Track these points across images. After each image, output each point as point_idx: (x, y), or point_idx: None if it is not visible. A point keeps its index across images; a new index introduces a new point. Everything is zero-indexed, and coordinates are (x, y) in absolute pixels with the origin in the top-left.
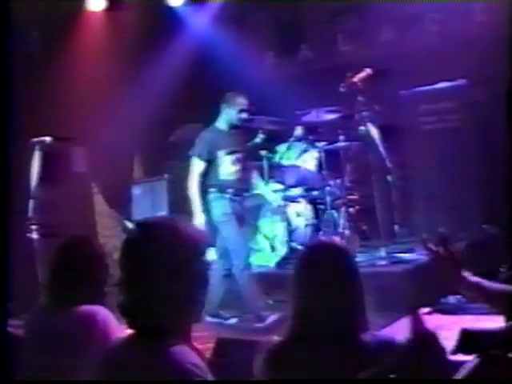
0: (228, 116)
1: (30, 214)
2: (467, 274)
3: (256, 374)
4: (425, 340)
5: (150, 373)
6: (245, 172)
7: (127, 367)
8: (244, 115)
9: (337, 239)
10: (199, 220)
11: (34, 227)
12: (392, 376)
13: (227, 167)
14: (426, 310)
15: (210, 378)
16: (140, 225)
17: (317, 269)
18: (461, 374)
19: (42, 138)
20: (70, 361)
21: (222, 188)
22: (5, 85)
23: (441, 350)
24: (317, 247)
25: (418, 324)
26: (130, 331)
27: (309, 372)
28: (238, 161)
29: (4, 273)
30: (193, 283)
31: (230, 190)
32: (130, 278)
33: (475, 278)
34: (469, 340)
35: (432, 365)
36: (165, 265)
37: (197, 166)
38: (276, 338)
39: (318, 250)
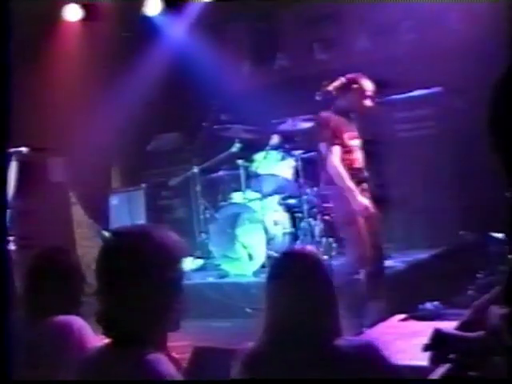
0: None
1: (7, 225)
2: None
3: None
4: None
5: (125, 379)
6: None
7: (103, 375)
8: None
9: (309, 247)
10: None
11: (11, 238)
12: None
13: None
14: (401, 316)
15: None
16: (114, 233)
17: (288, 277)
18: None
19: (19, 149)
20: (47, 371)
21: None
22: None
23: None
24: (288, 255)
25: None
26: (106, 340)
27: (284, 377)
28: None
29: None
30: (168, 291)
31: None
32: (106, 287)
33: None
34: (440, 340)
35: None
36: (139, 273)
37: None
38: (251, 344)
39: (290, 259)
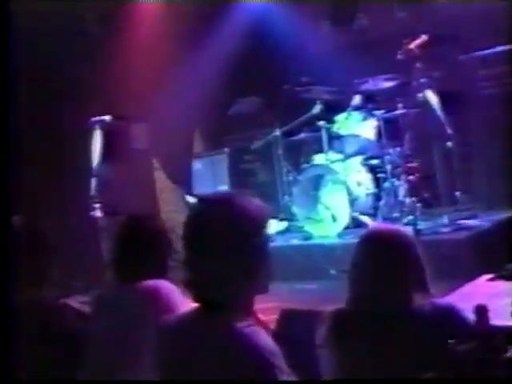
0: None
1: (93, 192)
2: None
3: (318, 343)
4: (490, 341)
5: (217, 350)
6: None
7: (192, 341)
8: None
9: (396, 225)
10: None
11: (97, 205)
12: None
13: None
14: (488, 276)
15: (282, 363)
16: (201, 201)
17: (377, 253)
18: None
19: (102, 117)
20: (135, 335)
21: None
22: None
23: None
24: (373, 230)
25: (484, 321)
26: (194, 305)
27: (370, 340)
28: None
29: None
30: (256, 256)
31: None
32: (194, 254)
33: None
34: None
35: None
36: (227, 239)
37: None
38: (338, 307)
39: (375, 232)
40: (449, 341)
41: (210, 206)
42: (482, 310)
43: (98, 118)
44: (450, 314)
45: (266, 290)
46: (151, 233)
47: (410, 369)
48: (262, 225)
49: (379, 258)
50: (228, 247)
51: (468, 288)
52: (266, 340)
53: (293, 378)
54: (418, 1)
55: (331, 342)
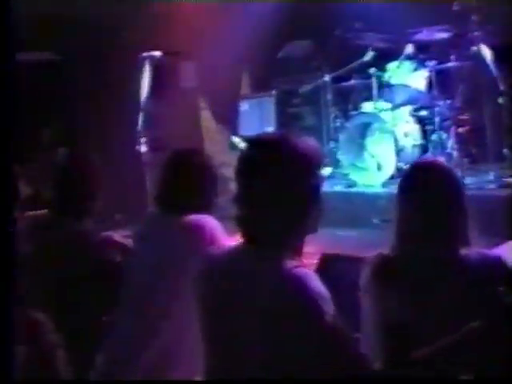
0: None
1: (139, 127)
2: None
3: (362, 286)
4: None
5: (268, 286)
6: None
7: (240, 275)
8: None
9: (441, 159)
10: None
11: (142, 140)
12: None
13: None
14: None
15: (331, 307)
16: (256, 139)
17: (421, 188)
18: None
19: (152, 52)
20: (177, 269)
21: None
22: None
23: None
24: (421, 166)
25: None
26: (241, 241)
27: (414, 287)
28: None
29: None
30: (308, 197)
31: None
32: (248, 190)
33: None
34: None
35: None
36: (281, 179)
37: None
38: (381, 252)
39: (423, 170)
40: (499, 288)
41: (265, 143)
42: None
43: (147, 54)
44: (498, 264)
45: (315, 231)
46: (197, 167)
47: (455, 317)
48: (316, 165)
49: (424, 192)
50: (281, 185)
51: (510, 245)
52: (317, 283)
53: (340, 324)
54: None
55: (374, 286)
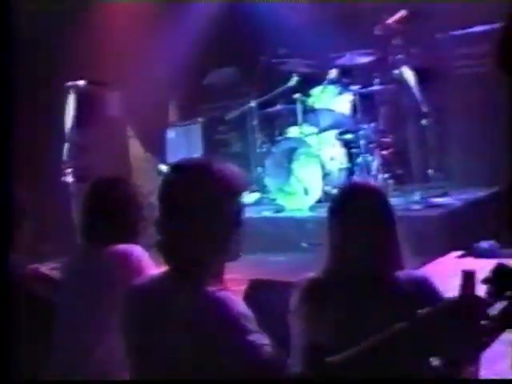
0: None
1: (65, 157)
2: None
3: (292, 309)
4: (469, 304)
5: (189, 314)
6: None
7: (161, 303)
8: None
9: (370, 180)
10: None
11: (68, 171)
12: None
13: None
14: (458, 253)
15: (255, 327)
16: (178, 165)
17: (351, 210)
18: (491, 313)
19: (77, 82)
20: (104, 300)
21: None
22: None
23: (480, 318)
24: (351, 188)
25: (470, 286)
26: (165, 268)
27: (344, 308)
28: None
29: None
30: (228, 222)
31: None
32: (168, 216)
33: None
34: (502, 275)
35: (464, 329)
36: (201, 204)
37: None
38: (311, 274)
39: (352, 191)
40: (419, 311)
41: (186, 169)
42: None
43: (72, 83)
44: (425, 285)
45: (237, 257)
46: (123, 195)
47: (383, 337)
48: (237, 190)
49: (355, 214)
50: (201, 211)
51: (437, 264)
52: (239, 304)
53: (266, 342)
54: None
55: (304, 309)
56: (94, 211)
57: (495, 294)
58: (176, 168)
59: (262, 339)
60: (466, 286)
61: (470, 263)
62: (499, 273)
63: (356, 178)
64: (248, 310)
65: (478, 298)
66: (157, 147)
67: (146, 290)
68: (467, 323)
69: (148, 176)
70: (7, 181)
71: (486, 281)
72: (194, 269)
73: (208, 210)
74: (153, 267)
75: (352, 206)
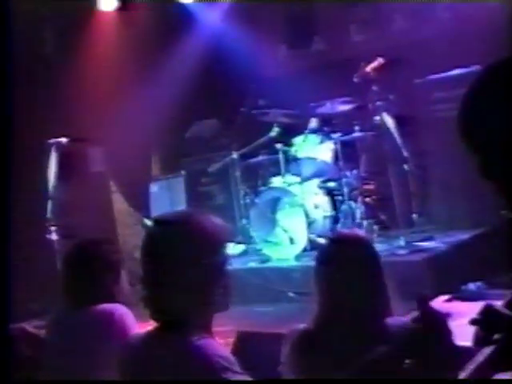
0: None
1: (49, 215)
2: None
3: (284, 360)
4: (433, 321)
5: (176, 366)
6: None
7: (152, 360)
8: None
9: (356, 230)
10: None
11: (53, 228)
12: (402, 357)
13: None
14: (445, 297)
15: (239, 369)
16: (159, 219)
17: (338, 260)
18: (477, 359)
19: (59, 139)
20: (89, 360)
21: None
22: (11, 85)
23: (449, 333)
24: (336, 239)
25: (425, 307)
26: (150, 327)
27: (337, 358)
28: None
29: (4, 273)
30: (214, 275)
31: None
32: (153, 271)
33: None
34: (490, 316)
35: (438, 347)
36: (185, 257)
37: None
38: (301, 326)
39: (338, 242)
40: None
41: (168, 223)
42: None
43: (54, 140)
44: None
45: (226, 308)
46: (104, 257)
47: None
48: (222, 243)
49: (343, 265)
50: (185, 264)
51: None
52: (220, 349)
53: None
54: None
55: (295, 360)
56: (77, 273)
57: (483, 335)
58: (159, 222)
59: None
60: (422, 307)
61: (458, 306)
62: (487, 313)
63: (341, 229)
64: (230, 354)
65: (436, 312)
66: (140, 201)
67: (135, 350)
68: (432, 337)
69: (132, 230)
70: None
71: (473, 321)
72: (180, 321)
73: (192, 263)
74: (136, 325)
75: (338, 256)
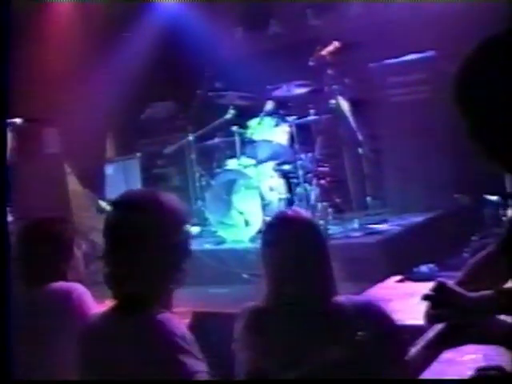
0: None
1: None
2: None
3: (235, 338)
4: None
5: (136, 341)
6: None
7: (112, 338)
8: None
9: (298, 209)
10: None
11: (7, 209)
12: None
13: None
14: (398, 277)
15: (196, 349)
16: (123, 197)
17: (281, 240)
18: (425, 338)
19: (13, 120)
20: (48, 339)
21: None
22: None
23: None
24: (279, 219)
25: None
26: (109, 305)
27: (285, 334)
28: None
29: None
30: (175, 252)
31: None
32: (113, 248)
33: None
34: (442, 292)
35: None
36: (147, 235)
37: None
38: (252, 304)
39: (281, 222)
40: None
41: (131, 200)
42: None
43: (9, 121)
44: (370, 309)
45: (182, 284)
46: (59, 235)
47: (326, 364)
48: (182, 221)
49: (285, 244)
50: (150, 242)
51: (377, 289)
52: (178, 326)
53: (204, 364)
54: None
55: (246, 337)
56: (30, 252)
57: (433, 313)
58: (121, 201)
59: (196, 364)
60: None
61: (410, 287)
62: (439, 289)
63: (284, 209)
64: (188, 331)
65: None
66: (96, 183)
67: (96, 329)
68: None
69: (88, 213)
70: None
71: (426, 297)
72: (141, 299)
73: (157, 241)
74: (94, 304)
75: (281, 236)
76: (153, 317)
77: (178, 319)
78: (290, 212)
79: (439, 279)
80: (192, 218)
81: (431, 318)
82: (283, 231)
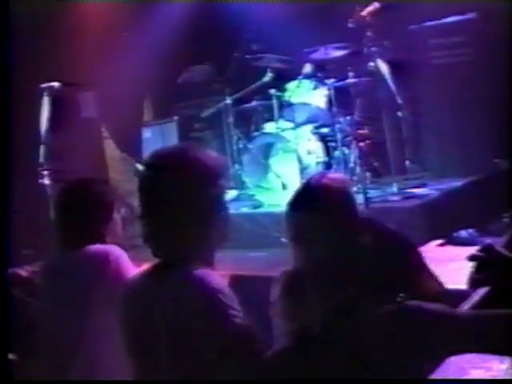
0: None
1: (41, 160)
2: None
3: (272, 303)
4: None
5: (177, 298)
6: None
7: (153, 296)
8: None
9: (335, 174)
10: None
11: (45, 173)
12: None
13: None
14: (438, 241)
15: (236, 303)
16: (155, 155)
17: (307, 208)
18: (473, 299)
19: (51, 84)
20: (85, 303)
21: None
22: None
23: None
24: (305, 186)
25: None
26: (148, 266)
27: (323, 297)
28: None
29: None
30: (211, 207)
31: None
32: (152, 207)
33: None
34: (490, 255)
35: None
36: (183, 191)
37: None
38: (287, 268)
39: (306, 189)
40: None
41: (163, 158)
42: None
43: (46, 85)
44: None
45: (226, 239)
46: (97, 196)
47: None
48: (218, 175)
49: (311, 213)
50: (183, 198)
51: None
52: (218, 281)
53: (243, 320)
54: None
55: (283, 301)
56: (69, 213)
57: (477, 277)
58: (153, 159)
59: (237, 318)
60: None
61: (450, 251)
62: (487, 251)
63: (314, 175)
64: (227, 286)
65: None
66: (133, 147)
67: (137, 286)
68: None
69: (125, 176)
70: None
71: (472, 257)
72: (181, 257)
73: (190, 196)
74: (132, 267)
75: (307, 204)
76: (192, 272)
77: (218, 275)
78: (315, 178)
79: (488, 242)
80: (227, 169)
81: (476, 282)
82: (306, 198)
